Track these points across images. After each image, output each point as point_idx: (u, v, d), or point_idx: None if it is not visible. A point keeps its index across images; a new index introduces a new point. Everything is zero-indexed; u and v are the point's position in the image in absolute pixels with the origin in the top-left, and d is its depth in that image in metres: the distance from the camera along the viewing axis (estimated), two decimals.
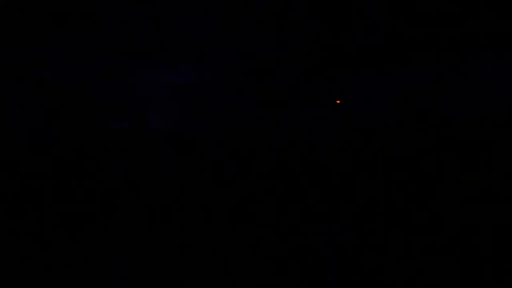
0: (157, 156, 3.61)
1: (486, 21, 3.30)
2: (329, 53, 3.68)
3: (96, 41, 3.57)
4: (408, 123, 3.85)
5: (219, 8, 3.43)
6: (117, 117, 3.98)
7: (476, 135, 3.48)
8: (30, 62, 3.65)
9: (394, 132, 4.01)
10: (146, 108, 4.05)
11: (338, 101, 6.04)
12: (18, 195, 3.38)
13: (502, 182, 3.32)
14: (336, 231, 3.37)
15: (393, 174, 3.51)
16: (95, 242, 3.22)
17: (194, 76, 4.25)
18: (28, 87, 3.66)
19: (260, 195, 3.48)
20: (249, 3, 3.42)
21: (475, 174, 3.38)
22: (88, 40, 3.55)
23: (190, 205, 3.46)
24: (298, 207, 3.42)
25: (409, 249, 3.25)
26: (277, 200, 3.47)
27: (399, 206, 3.39)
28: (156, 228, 3.35)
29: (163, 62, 3.99)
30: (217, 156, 3.65)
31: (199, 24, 3.54)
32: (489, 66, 3.54)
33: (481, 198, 3.31)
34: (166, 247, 3.26)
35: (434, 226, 3.31)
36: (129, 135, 3.70)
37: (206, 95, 4.49)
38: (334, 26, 3.48)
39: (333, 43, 3.58)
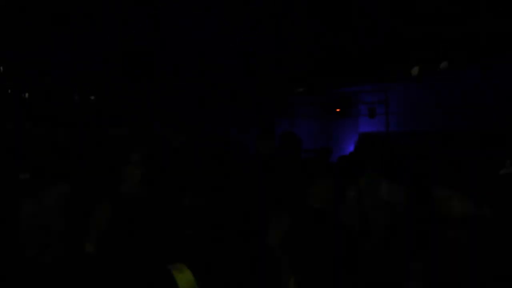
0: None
1: (486, 21, 3.30)
2: (329, 53, 3.67)
3: (96, 41, 3.57)
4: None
5: (219, 8, 3.42)
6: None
7: None
8: (30, 62, 3.65)
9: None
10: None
11: (338, 110, 6.01)
12: None
13: None
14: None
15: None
16: None
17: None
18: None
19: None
20: (249, 3, 3.41)
21: None
22: (88, 40, 3.55)
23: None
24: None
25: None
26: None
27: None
28: None
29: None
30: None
31: (199, 24, 3.53)
32: None
33: None
34: None
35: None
36: (129, 137, 3.68)
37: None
38: (334, 26, 3.47)
39: (333, 43, 3.58)
